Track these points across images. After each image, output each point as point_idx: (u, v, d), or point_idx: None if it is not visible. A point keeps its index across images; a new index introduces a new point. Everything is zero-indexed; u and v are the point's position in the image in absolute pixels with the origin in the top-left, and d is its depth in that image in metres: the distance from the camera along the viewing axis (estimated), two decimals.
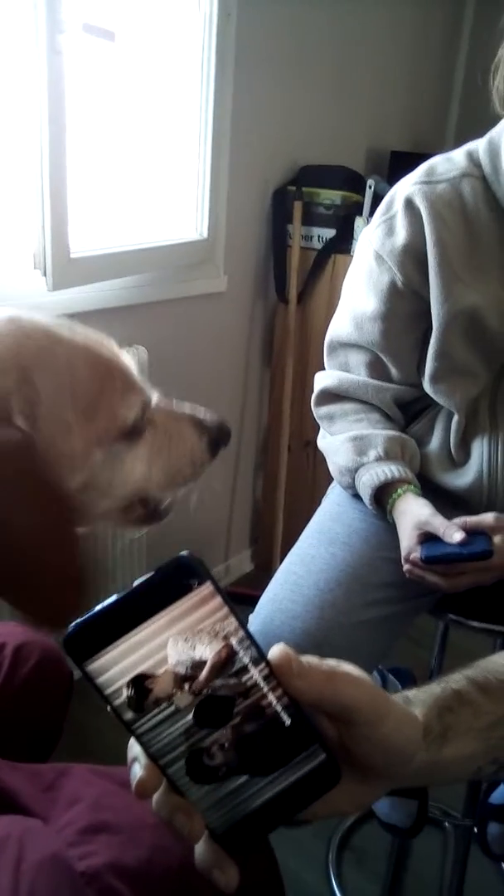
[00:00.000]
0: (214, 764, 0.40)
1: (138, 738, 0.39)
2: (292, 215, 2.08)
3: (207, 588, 0.38)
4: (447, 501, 1.14)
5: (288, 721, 0.41)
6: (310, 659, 0.43)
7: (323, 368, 1.27)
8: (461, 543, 0.98)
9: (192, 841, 0.40)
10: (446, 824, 1.47)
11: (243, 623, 0.40)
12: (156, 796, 0.40)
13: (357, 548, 1.14)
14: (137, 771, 0.39)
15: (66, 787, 0.64)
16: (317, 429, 1.29)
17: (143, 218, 1.75)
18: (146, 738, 0.38)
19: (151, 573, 0.38)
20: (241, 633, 0.40)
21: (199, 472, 0.67)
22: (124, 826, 0.58)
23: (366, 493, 1.13)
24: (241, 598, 2.28)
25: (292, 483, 2.30)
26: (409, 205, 1.09)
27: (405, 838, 1.32)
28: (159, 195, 1.79)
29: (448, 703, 0.49)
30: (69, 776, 0.66)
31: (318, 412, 1.25)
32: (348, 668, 0.45)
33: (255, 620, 1.14)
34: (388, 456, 1.13)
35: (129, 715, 0.38)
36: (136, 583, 0.38)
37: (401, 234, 1.10)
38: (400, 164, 2.26)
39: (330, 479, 1.30)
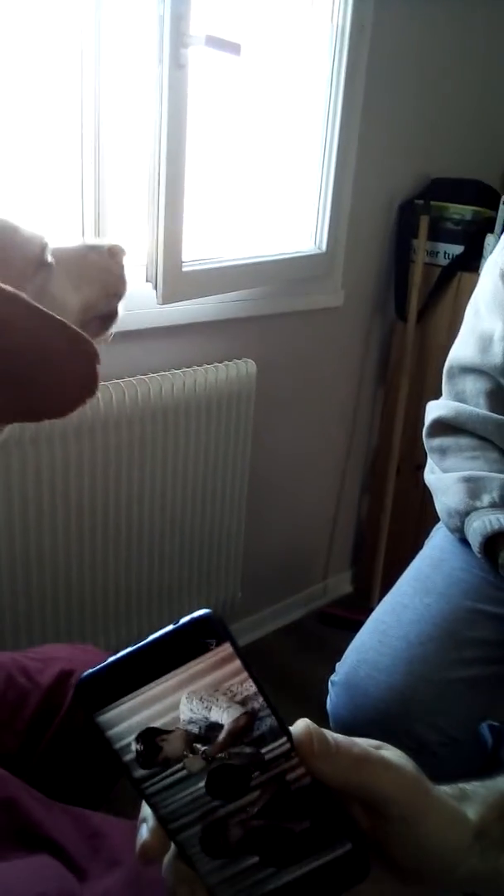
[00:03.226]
0: (225, 839, 0.36)
1: (147, 799, 0.36)
2: (418, 230, 2.00)
3: (227, 649, 0.36)
4: None
5: (311, 802, 0.37)
6: (339, 738, 0.37)
7: (440, 391, 1.20)
8: None
9: None
10: None
11: (264, 690, 0.36)
12: (165, 860, 0.37)
13: (455, 600, 1.07)
14: (144, 833, 0.37)
15: (110, 841, 0.62)
16: None
17: (259, 231, 1.72)
18: (155, 799, 0.36)
19: (169, 626, 0.36)
20: (261, 700, 0.36)
21: (121, 281, 0.80)
22: None
23: (475, 541, 1.05)
24: (337, 620, 2.22)
25: (399, 507, 2.21)
26: None
27: None
28: (277, 208, 1.76)
29: None
30: (113, 828, 0.63)
31: (430, 444, 1.18)
32: (387, 752, 0.38)
33: (340, 670, 1.09)
34: (503, 502, 1.05)
35: (138, 773, 0.36)
36: (152, 636, 0.36)
37: None
38: None
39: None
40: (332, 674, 1.13)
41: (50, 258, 0.70)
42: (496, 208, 1.93)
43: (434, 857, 0.38)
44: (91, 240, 0.82)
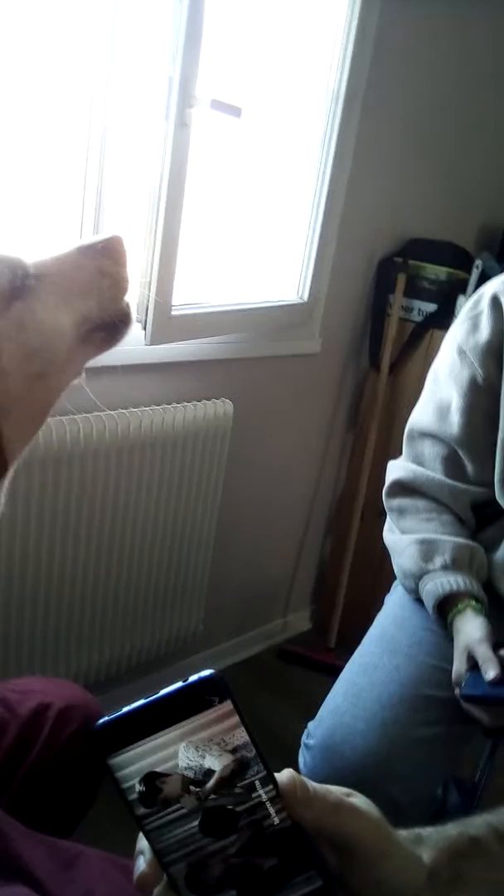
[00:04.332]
0: (212, 874, 0.41)
1: (146, 834, 0.41)
2: (395, 286, 2.09)
3: (228, 706, 0.41)
4: None
5: (289, 843, 0.42)
6: (317, 787, 0.43)
7: None
8: (494, 683, 0.93)
9: None
10: None
11: (257, 742, 0.42)
12: (156, 891, 0.41)
13: (420, 660, 1.10)
14: (141, 864, 0.42)
15: (84, 872, 0.65)
16: None
17: (246, 279, 1.79)
18: (154, 834, 0.41)
19: (179, 683, 0.41)
20: (254, 751, 0.42)
21: (120, 281, 0.67)
22: None
23: (429, 603, 1.10)
24: (294, 658, 2.27)
25: (360, 551, 2.27)
26: (496, 302, 1.10)
27: None
28: (265, 258, 1.83)
29: (462, 849, 0.47)
30: (87, 858, 0.67)
31: (390, 504, 1.23)
32: (357, 800, 0.44)
33: (316, 732, 1.10)
34: (454, 565, 1.10)
35: (140, 810, 0.41)
36: (162, 691, 0.41)
37: (484, 332, 1.11)
38: None
39: None
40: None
41: (32, 281, 0.62)
42: (469, 271, 2.04)
43: (393, 893, 0.43)
44: (83, 240, 0.69)
